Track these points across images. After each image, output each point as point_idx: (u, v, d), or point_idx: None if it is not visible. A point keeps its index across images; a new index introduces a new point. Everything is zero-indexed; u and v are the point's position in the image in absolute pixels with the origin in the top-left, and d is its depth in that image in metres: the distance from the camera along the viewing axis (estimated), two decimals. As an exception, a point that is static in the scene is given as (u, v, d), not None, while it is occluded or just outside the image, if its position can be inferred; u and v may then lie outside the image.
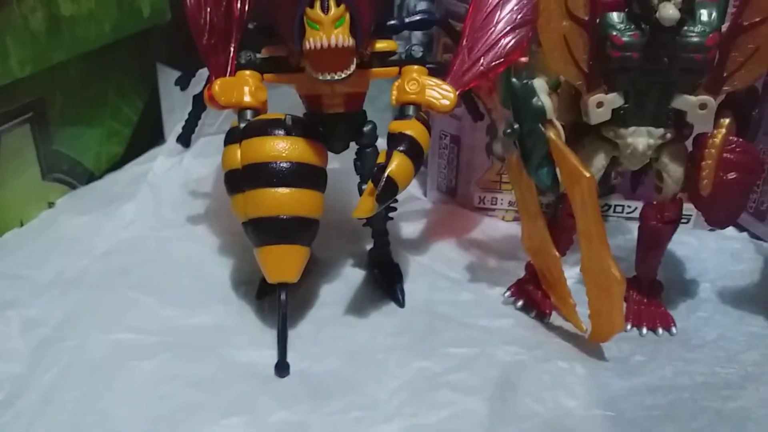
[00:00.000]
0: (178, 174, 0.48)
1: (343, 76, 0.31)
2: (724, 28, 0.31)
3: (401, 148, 0.32)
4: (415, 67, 0.36)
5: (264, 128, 0.34)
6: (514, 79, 0.33)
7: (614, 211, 0.46)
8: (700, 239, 0.44)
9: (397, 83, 0.35)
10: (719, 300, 0.39)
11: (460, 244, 0.45)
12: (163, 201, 0.46)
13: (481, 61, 0.36)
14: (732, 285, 0.40)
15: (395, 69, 0.36)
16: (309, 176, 0.34)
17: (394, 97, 0.35)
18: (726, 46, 0.31)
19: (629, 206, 0.46)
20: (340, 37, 0.29)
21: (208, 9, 0.36)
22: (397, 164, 0.32)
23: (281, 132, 0.33)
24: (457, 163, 0.48)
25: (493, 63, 0.36)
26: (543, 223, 0.36)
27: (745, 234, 0.46)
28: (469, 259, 0.43)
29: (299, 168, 0.33)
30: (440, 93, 0.35)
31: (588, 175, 0.30)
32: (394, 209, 0.39)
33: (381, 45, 0.35)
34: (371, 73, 0.36)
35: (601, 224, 0.31)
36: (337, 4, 0.30)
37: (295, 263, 0.34)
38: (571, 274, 0.36)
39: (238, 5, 0.36)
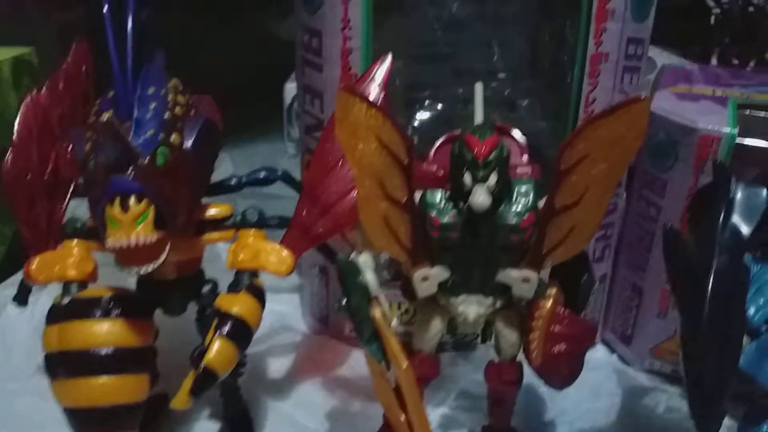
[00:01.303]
0: (32, 315, 0.46)
1: (151, 268, 0.30)
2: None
3: (223, 332, 0.31)
4: (252, 230, 0.35)
5: (81, 310, 0.32)
6: (339, 255, 0.32)
7: (480, 342, 0.46)
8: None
9: (232, 247, 0.35)
10: (575, 447, 0.39)
11: (325, 384, 0.43)
12: (13, 346, 0.44)
13: (319, 223, 0.36)
14: (589, 427, 0.40)
15: (230, 232, 0.35)
16: (130, 360, 0.32)
17: (228, 262, 0.34)
18: (543, 225, 0.31)
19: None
20: (141, 235, 0.28)
21: (29, 175, 0.34)
22: (217, 351, 0.31)
23: (100, 313, 0.32)
24: (326, 292, 0.47)
25: (330, 227, 0.36)
26: (388, 384, 0.35)
27: (614, 357, 0.47)
28: (332, 403, 0.42)
29: (119, 353, 0.32)
30: (276, 258, 0.34)
31: (404, 366, 0.30)
32: (244, 364, 0.38)
33: (213, 211, 0.35)
34: (204, 239, 0.35)
35: (421, 413, 0.31)
36: (139, 200, 0.29)
37: (117, 452, 0.32)
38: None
39: (65, 168, 0.35)
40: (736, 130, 0.37)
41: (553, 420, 0.40)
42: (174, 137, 0.30)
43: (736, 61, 0.77)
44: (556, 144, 0.29)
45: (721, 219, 0.30)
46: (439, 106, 0.47)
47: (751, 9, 0.75)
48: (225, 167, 0.66)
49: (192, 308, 0.37)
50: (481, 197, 0.29)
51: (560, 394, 0.42)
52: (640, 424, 0.40)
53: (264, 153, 0.68)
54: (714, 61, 0.78)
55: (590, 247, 0.43)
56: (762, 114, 0.40)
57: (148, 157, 0.29)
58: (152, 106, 0.30)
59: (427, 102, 0.48)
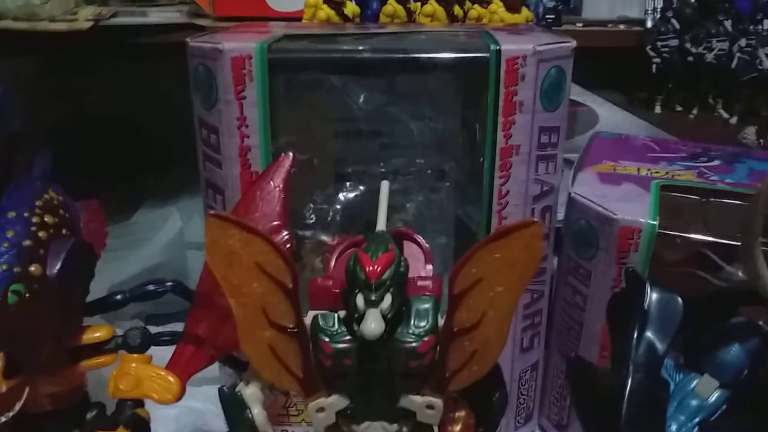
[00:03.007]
0: None
1: (4, 419, 0.27)
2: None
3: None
4: (135, 355, 0.32)
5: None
6: (223, 387, 0.29)
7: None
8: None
9: (113, 373, 0.32)
10: None
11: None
12: None
13: (218, 333, 0.33)
14: None
15: (112, 356, 0.32)
16: None
17: (109, 391, 0.31)
18: (445, 348, 0.28)
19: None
20: None
21: None
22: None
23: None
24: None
25: (230, 338, 0.33)
26: None
27: (552, 447, 0.44)
28: None
29: None
30: (161, 384, 0.31)
31: None
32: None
33: (92, 335, 0.32)
34: (82, 366, 0.32)
35: None
36: None
37: None
38: None
39: None
40: (656, 221, 0.36)
41: None
42: (34, 268, 0.27)
43: (680, 108, 0.77)
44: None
45: (635, 335, 0.28)
46: (366, 180, 0.46)
47: (690, 59, 0.75)
48: (173, 221, 0.62)
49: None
50: (372, 325, 0.27)
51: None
52: None
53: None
54: (657, 108, 0.78)
55: (518, 337, 0.41)
56: (684, 197, 0.39)
57: (-3, 299, 0.26)
58: (10, 234, 0.27)
59: (350, 182, 0.46)
